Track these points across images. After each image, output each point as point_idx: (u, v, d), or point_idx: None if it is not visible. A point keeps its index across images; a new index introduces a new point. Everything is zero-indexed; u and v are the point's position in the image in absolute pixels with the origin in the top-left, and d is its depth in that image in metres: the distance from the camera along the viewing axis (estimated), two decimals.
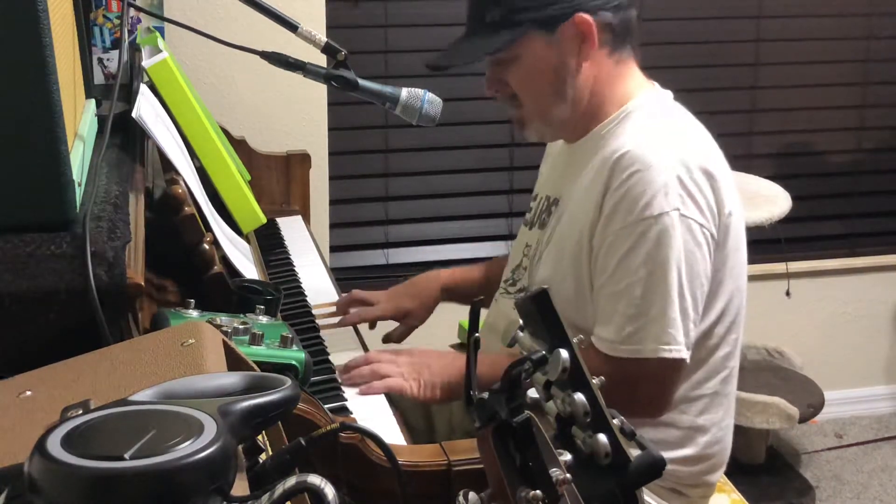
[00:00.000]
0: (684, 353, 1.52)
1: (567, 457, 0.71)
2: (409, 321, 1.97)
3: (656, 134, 1.57)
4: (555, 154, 1.85)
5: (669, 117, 1.64)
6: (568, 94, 1.62)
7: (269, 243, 2.17)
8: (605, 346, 1.54)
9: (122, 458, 0.57)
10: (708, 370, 1.65)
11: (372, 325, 1.99)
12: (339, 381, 1.58)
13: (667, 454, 1.60)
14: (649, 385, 1.55)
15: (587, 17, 1.57)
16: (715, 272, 1.57)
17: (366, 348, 1.79)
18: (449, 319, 2.13)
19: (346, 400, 1.51)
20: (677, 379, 1.57)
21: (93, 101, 1.53)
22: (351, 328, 1.87)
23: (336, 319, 1.88)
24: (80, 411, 0.67)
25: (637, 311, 1.51)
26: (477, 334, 0.77)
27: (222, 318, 1.31)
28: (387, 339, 1.99)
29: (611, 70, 1.63)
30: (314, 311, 1.84)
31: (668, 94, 1.69)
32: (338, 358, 1.66)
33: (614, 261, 1.52)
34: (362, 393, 1.56)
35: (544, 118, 1.67)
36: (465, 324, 2.14)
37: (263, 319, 1.39)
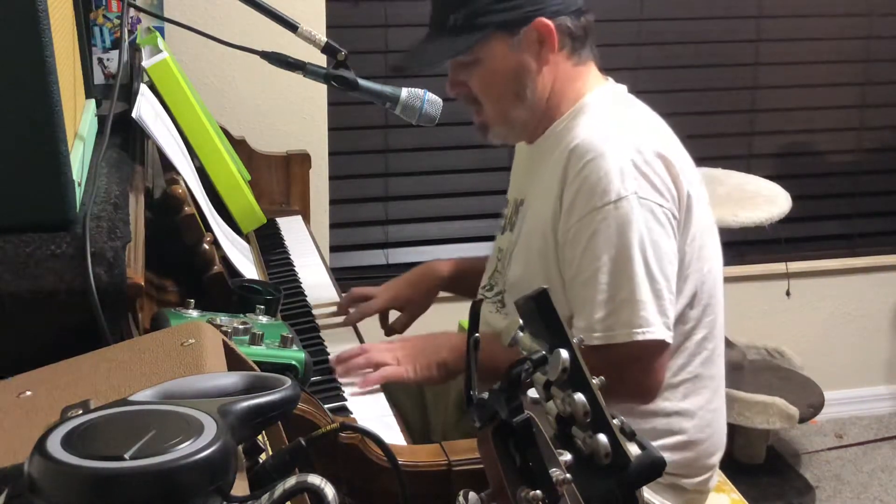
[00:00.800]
0: (661, 334, 1.53)
1: (567, 457, 0.71)
2: (410, 309, 1.98)
3: (608, 123, 1.59)
4: (519, 158, 1.87)
5: (621, 108, 1.66)
6: (528, 97, 1.65)
7: (269, 243, 2.17)
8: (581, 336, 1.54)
9: (122, 458, 0.57)
10: (686, 354, 1.65)
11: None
12: (338, 379, 1.58)
13: (656, 443, 1.63)
14: (631, 369, 1.55)
15: (547, 21, 1.60)
16: (682, 255, 1.58)
17: None
18: (449, 319, 2.13)
19: (346, 400, 1.51)
20: (660, 360, 1.57)
21: (93, 101, 1.52)
22: (351, 327, 1.87)
23: (339, 319, 1.89)
24: (80, 411, 0.67)
25: (605, 297, 1.52)
26: (477, 334, 0.78)
27: (222, 318, 1.31)
28: (390, 330, 1.99)
29: (569, 72, 1.65)
30: (314, 312, 1.84)
31: (623, 87, 1.71)
32: None
33: (579, 250, 1.54)
34: (361, 386, 1.56)
35: (504, 120, 1.69)
36: (465, 324, 2.14)
37: (263, 319, 1.39)
